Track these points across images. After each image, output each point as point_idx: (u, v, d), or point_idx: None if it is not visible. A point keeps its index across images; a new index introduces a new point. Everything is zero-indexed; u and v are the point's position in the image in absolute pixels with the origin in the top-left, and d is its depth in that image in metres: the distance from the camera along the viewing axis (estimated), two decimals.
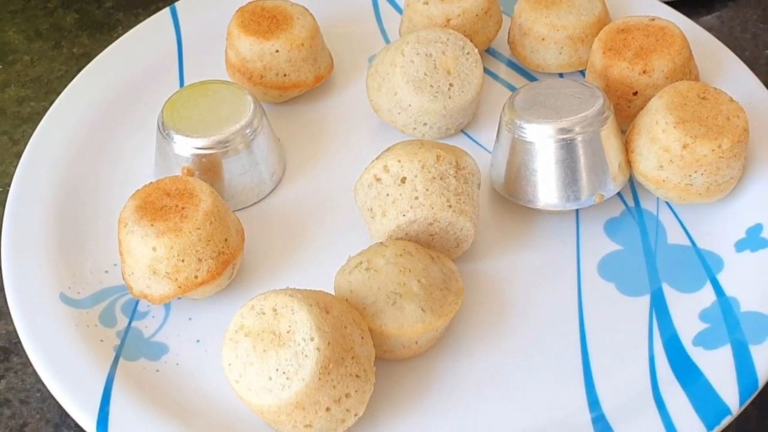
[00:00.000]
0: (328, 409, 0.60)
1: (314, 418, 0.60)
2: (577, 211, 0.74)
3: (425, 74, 0.75)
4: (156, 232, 0.66)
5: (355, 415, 0.61)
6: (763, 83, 0.79)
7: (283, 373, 0.59)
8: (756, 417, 0.66)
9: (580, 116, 0.70)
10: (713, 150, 0.69)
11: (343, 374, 0.60)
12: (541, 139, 0.70)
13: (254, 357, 0.59)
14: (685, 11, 0.85)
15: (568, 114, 0.70)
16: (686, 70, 0.76)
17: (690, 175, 0.70)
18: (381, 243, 0.67)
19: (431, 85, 0.75)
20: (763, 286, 0.68)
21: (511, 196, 0.72)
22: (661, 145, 0.70)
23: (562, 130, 0.69)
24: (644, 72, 0.75)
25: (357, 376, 0.61)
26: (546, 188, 0.71)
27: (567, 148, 0.70)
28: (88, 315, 0.68)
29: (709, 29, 0.84)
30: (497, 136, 0.73)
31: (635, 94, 0.75)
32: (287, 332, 0.59)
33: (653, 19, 0.77)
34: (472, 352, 0.67)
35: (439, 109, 0.76)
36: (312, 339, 0.59)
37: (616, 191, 0.72)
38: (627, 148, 0.73)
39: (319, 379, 0.59)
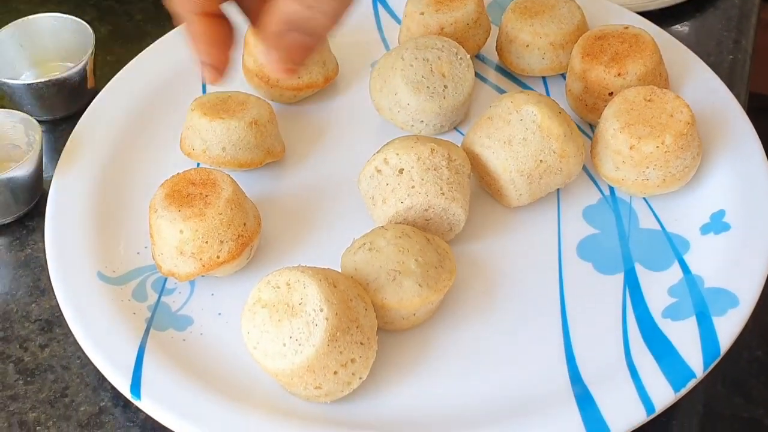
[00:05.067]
0: (335, 373, 0.61)
1: (323, 380, 0.61)
2: (558, 199, 0.75)
3: (423, 77, 0.77)
4: (183, 216, 0.67)
5: (360, 378, 0.63)
6: (726, 84, 0.80)
7: (296, 340, 0.60)
8: (725, 395, 0.67)
9: None
10: (657, 147, 0.71)
11: (348, 341, 0.61)
12: None
13: (270, 326, 0.61)
14: (656, 21, 0.86)
15: None
16: (657, 72, 0.78)
17: (643, 172, 0.72)
18: (382, 227, 0.69)
19: (428, 87, 0.77)
20: (726, 265, 0.69)
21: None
22: (613, 149, 0.72)
23: None
24: (619, 74, 0.76)
25: (361, 343, 0.62)
26: None
27: None
28: (122, 291, 0.70)
29: (678, 37, 0.85)
30: None
31: (611, 94, 0.77)
32: (299, 304, 0.61)
33: (627, 27, 0.79)
34: (464, 324, 0.68)
35: (435, 108, 0.77)
36: (321, 310, 0.60)
37: None
38: (591, 153, 0.75)
39: (328, 345, 0.60)
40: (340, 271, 0.67)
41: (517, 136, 0.71)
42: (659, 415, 0.62)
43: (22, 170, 0.75)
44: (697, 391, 0.65)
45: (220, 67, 0.59)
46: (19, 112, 0.78)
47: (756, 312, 0.67)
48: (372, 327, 0.63)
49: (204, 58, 0.58)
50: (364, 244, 0.67)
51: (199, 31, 0.57)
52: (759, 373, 0.68)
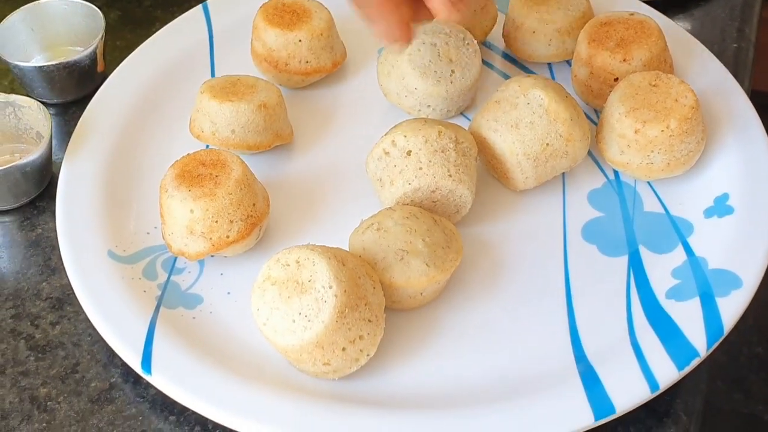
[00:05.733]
0: (344, 349, 0.62)
1: (332, 356, 0.62)
2: (563, 183, 0.76)
3: (430, 61, 0.77)
4: (193, 196, 0.68)
5: (368, 355, 0.64)
6: (730, 72, 0.81)
7: (305, 316, 0.61)
8: (725, 391, 0.68)
9: None
10: (662, 131, 0.71)
11: (357, 318, 0.62)
12: None
13: (279, 303, 0.62)
14: (660, 10, 0.87)
15: None
16: (661, 59, 0.78)
17: (648, 155, 0.73)
18: (390, 207, 0.69)
19: (435, 71, 0.78)
20: (729, 247, 0.70)
21: None
22: (618, 132, 0.73)
23: None
24: (624, 60, 0.77)
25: (369, 320, 0.63)
26: None
27: None
28: (132, 269, 0.71)
29: (683, 26, 0.86)
30: None
31: (616, 80, 0.78)
32: (309, 281, 0.62)
33: (632, 14, 0.79)
34: (470, 304, 0.69)
35: (442, 93, 0.78)
36: (330, 287, 0.61)
37: None
38: (597, 138, 0.76)
39: (336, 321, 0.61)
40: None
41: (524, 119, 0.72)
42: (663, 394, 0.63)
43: (33, 156, 0.75)
44: (700, 371, 0.66)
45: (406, 37, 0.66)
46: (31, 98, 0.79)
47: (756, 309, 0.68)
48: (380, 305, 0.64)
49: (388, 32, 0.66)
50: (372, 224, 0.68)
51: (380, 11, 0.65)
52: (759, 370, 0.68)
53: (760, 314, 0.66)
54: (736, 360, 0.67)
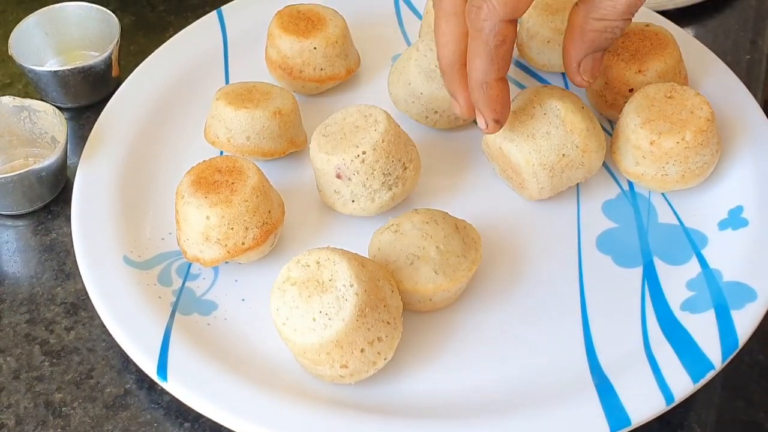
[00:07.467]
0: (362, 351, 0.62)
1: (350, 357, 0.62)
2: (577, 193, 0.77)
3: (436, 66, 0.77)
4: (209, 203, 0.68)
5: (385, 359, 0.64)
6: (743, 83, 0.82)
7: (326, 314, 0.61)
8: (725, 399, 0.68)
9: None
10: (678, 142, 0.72)
11: (376, 319, 0.63)
12: None
13: (300, 302, 0.62)
14: (673, 20, 0.87)
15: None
16: (676, 70, 0.79)
17: (663, 167, 0.73)
18: (415, 210, 0.69)
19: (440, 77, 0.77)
20: (743, 260, 0.70)
21: None
22: (633, 144, 0.73)
23: None
24: (639, 71, 0.77)
25: (388, 322, 0.63)
26: None
27: None
28: (147, 275, 0.71)
29: (696, 36, 0.86)
30: None
31: (631, 90, 0.78)
32: (329, 280, 0.62)
33: (648, 25, 0.80)
34: (484, 313, 0.69)
35: (448, 97, 0.77)
36: (351, 285, 0.61)
37: None
38: (611, 149, 0.76)
39: (357, 320, 0.61)
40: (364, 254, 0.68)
41: (540, 129, 0.72)
42: (676, 406, 0.63)
43: (49, 161, 0.76)
44: (713, 383, 0.66)
45: (503, 122, 0.69)
46: (46, 103, 0.79)
47: None
48: (398, 308, 0.65)
49: (495, 115, 0.68)
50: (392, 225, 0.68)
51: (496, 94, 0.67)
52: (760, 378, 0.69)
53: (762, 323, 0.67)
54: (737, 368, 0.68)
